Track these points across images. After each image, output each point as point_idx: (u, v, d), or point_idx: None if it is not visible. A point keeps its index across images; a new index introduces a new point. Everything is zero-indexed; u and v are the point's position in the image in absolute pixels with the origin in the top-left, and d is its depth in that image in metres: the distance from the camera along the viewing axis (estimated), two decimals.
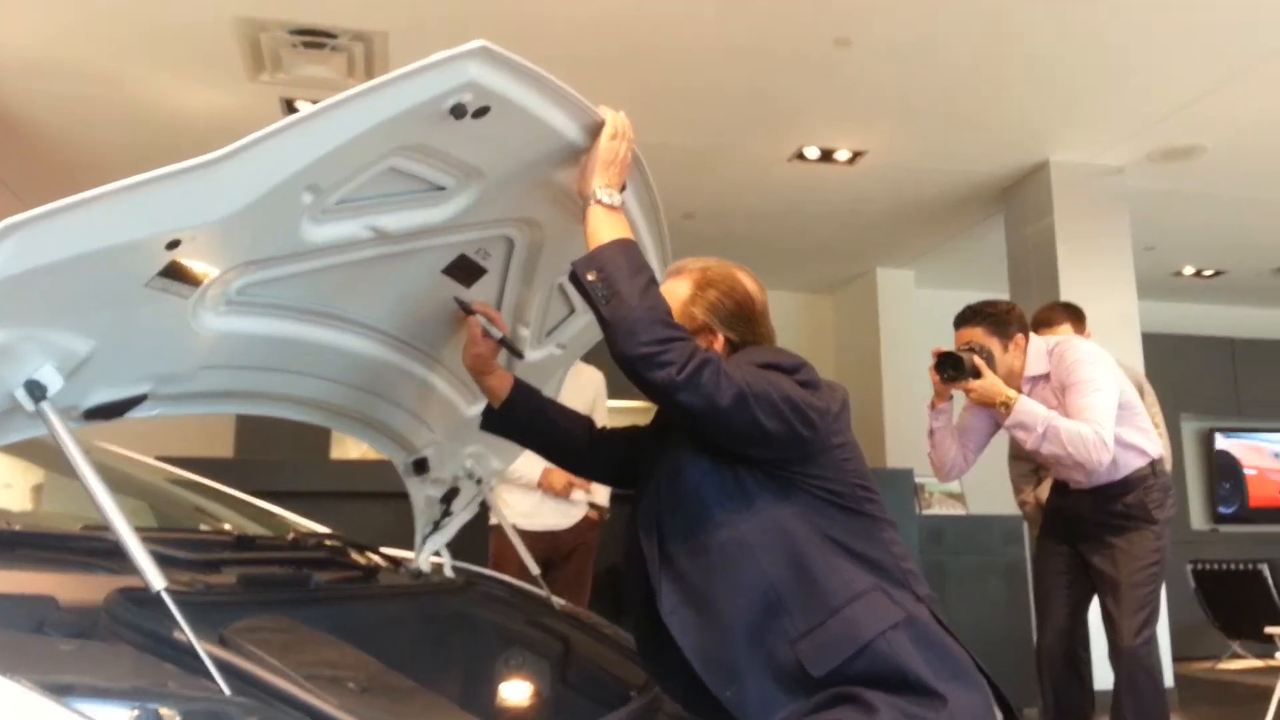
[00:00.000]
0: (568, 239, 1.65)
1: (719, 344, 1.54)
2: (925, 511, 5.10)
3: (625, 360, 1.33)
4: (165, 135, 5.02)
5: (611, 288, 1.35)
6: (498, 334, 1.69)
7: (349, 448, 6.61)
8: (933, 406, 2.95)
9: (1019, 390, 2.87)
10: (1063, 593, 3.00)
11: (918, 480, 5.08)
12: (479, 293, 1.74)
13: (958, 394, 2.91)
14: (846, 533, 1.38)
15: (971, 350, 2.83)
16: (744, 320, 1.55)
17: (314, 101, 4.67)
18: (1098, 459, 2.68)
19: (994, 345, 2.87)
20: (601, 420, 3.36)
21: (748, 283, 1.59)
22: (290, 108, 4.75)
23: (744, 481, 1.39)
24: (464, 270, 1.67)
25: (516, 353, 1.74)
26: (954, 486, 5.25)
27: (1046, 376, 2.88)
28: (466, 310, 1.69)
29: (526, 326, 1.88)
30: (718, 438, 1.38)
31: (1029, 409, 2.73)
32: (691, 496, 1.40)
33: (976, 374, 2.78)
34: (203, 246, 1.17)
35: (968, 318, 2.92)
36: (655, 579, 1.40)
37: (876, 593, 1.33)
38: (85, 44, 4.26)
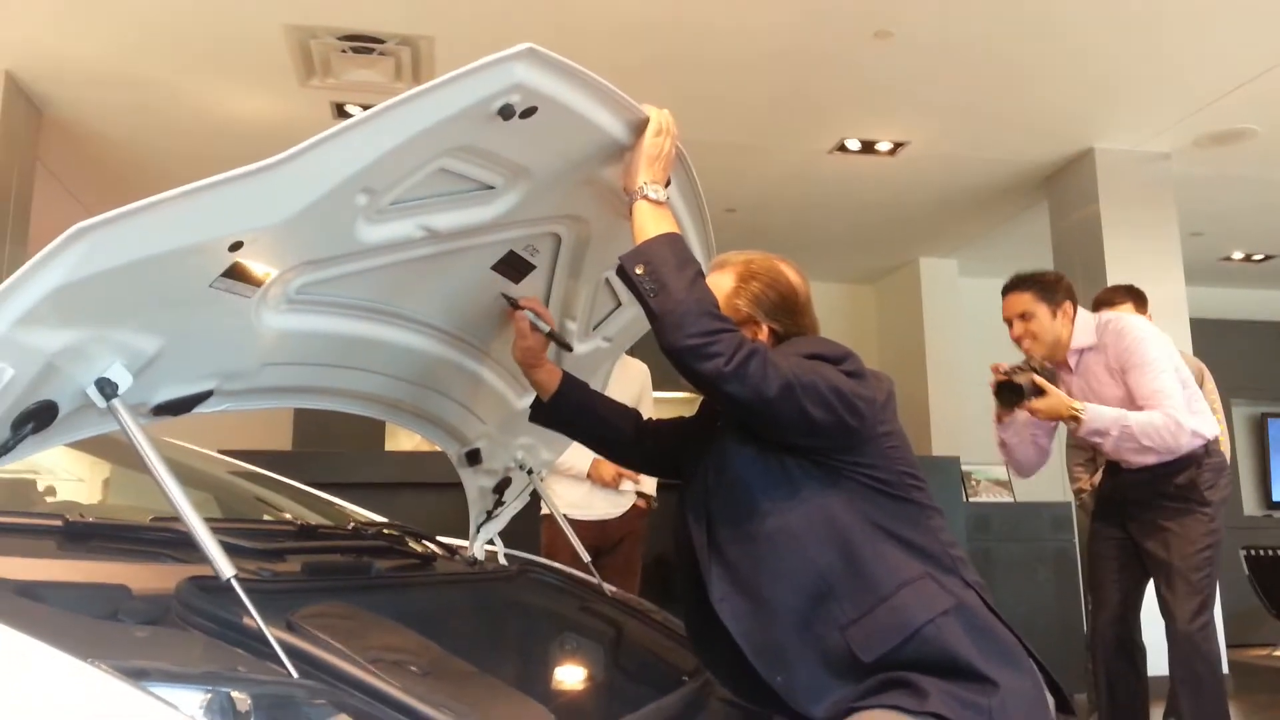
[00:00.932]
0: (614, 234, 1.66)
1: (764, 335, 1.55)
2: (972, 499, 5.04)
3: (673, 352, 1.34)
4: (220, 141, 5.11)
5: (659, 281, 1.36)
6: (545, 328, 1.71)
7: (402, 440, 6.72)
8: (999, 420, 2.91)
9: (1067, 362, 2.82)
10: (1114, 577, 2.94)
11: (964, 467, 5.02)
12: (528, 288, 1.75)
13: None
14: (894, 520, 1.37)
15: (1028, 369, 2.78)
16: (788, 311, 1.55)
17: (363, 105, 4.74)
18: (1175, 444, 2.64)
19: (1042, 311, 2.83)
20: (648, 412, 3.35)
21: (790, 274, 1.59)
22: (340, 111, 4.82)
23: (790, 470, 1.39)
24: (513, 266, 1.68)
25: (565, 345, 1.76)
26: (1000, 473, 5.18)
27: (1094, 349, 2.81)
28: (514, 305, 1.71)
29: (574, 320, 1.90)
30: (765, 428, 1.38)
31: (1099, 416, 2.69)
32: (738, 486, 1.41)
33: (1038, 392, 2.73)
34: (263, 248, 1.19)
35: (1016, 284, 2.88)
36: (705, 567, 1.41)
37: (926, 579, 1.33)
38: (143, 56, 4.36)
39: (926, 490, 1.44)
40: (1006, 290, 2.89)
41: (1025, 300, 2.84)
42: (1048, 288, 2.85)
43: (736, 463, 1.42)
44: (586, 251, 1.74)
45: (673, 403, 6.78)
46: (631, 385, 3.60)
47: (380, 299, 1.56)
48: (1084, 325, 2.85)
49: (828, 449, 1.39)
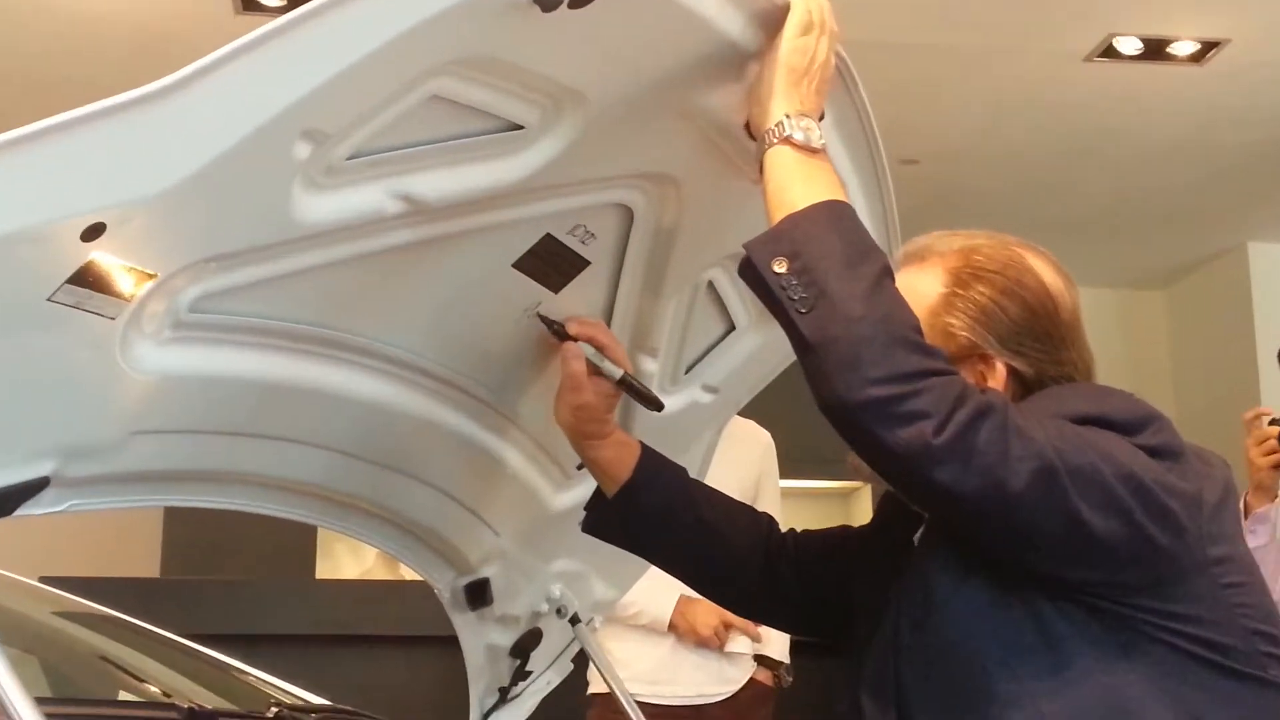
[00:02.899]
0: (725, 206, 1.67)
1: (998, 379, 1.54)
2: None
3: (843, 409, 1.35)
4: (54, 56, 5.21)
5: (817, 285, 1.37)
6: (616, 372, 1.73)
7: (342, 561, 6.77)
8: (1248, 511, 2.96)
9: None
10: None
11: None
12: (576, 301, 1.77)
13: None
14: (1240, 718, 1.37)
15: None
16: (1040, 337, 1.55)
17: None
18: None
19: None
20: (770, 511, 3.35)
21: (1044, 272, 1.58)
22: (248, 2, 4.91)
23: (1048, 623, 1.39)
24: (551, 263, 1.71)
25: (650, 400, 1.77)
26: None
27: None
28: (559, 334, 1.73)
29: (653, 357, 1.92)
30: (1004, 545, 1.39)
31: None
32: (956, 648, 1.41)
33: None
34: (138, 235, 1.21)
35: None
36: None
37: None
38: None
39: None
40: None
41: None
42: None
43: (952, 607, 1.42)
44: (677, 236, 1.76)
45: (812, 498, 6.73)
46: (743, 468, 3.60)
47: (328, 321, 1.58)
48: None
49: (1117, 586, 1.39)
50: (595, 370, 1.73)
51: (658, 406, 1.80)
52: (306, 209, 1.37)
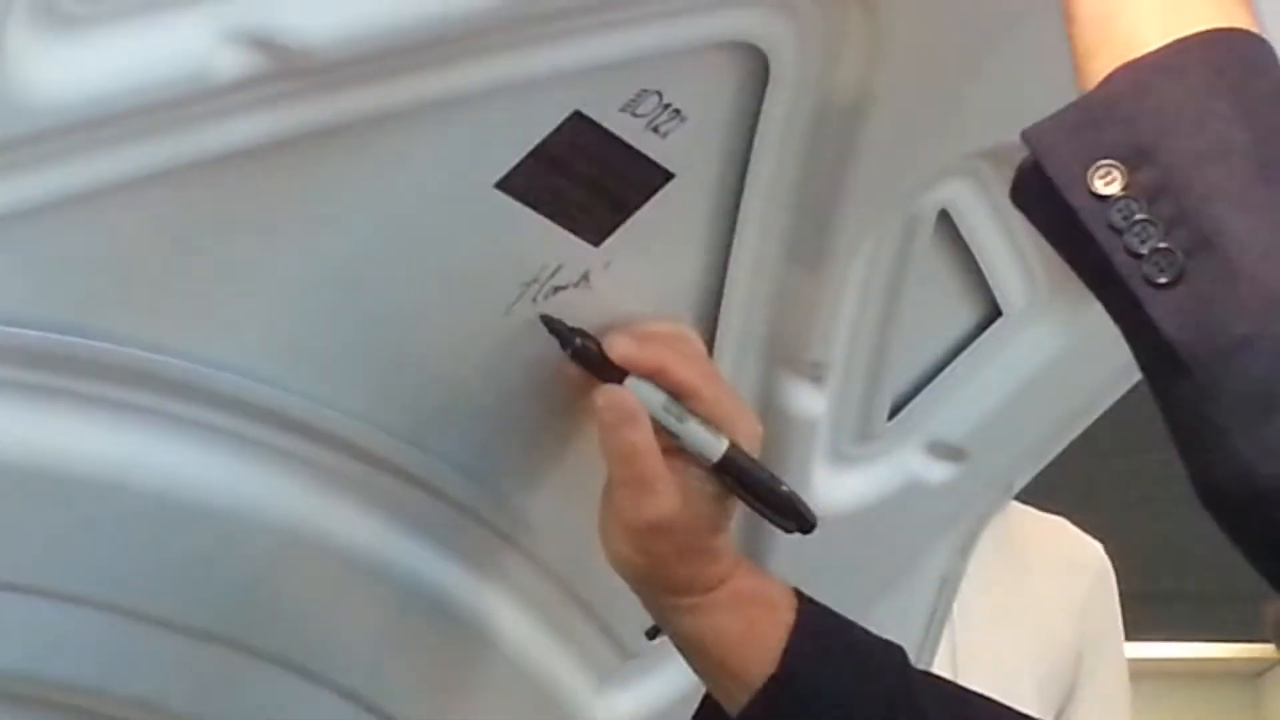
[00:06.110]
0: (971, 45, 1.41)
1: None
2: None
3: (1251, 500, 0.98)
4: None
5: (1194, 222, 1.00)
6: (715, 446, 1.42)
7: None
8: None
9: None
10: None
11: None
12: (634, 266, 1.44)
13: None
14: None
15: None
16: None
17: None
18: None
19: None
20: (1108, 706, 3.33)
21: None
22: None
23: None
24: (581, 179, 1.38)
25: (792, 514, 1.45)
26: None
27: None
28: (586, 358, 1.40)
29: (815, 383, 1.63)
30: None
31: None
32: None
33: None
34: None
35: None
36: None
37: None
38: None
39: None
40: None
41: None
42: None
43: None
44: (868, 110, 1.47)
45: (1191, 680, 6.04)
46: (1047, 626, 3.28)
47: (94, 324, 1.25)
48: None
49: None
50: (672, 442, 1.36)
51: (805, 525, 1.46)
52: (38, 77, 1.08)
